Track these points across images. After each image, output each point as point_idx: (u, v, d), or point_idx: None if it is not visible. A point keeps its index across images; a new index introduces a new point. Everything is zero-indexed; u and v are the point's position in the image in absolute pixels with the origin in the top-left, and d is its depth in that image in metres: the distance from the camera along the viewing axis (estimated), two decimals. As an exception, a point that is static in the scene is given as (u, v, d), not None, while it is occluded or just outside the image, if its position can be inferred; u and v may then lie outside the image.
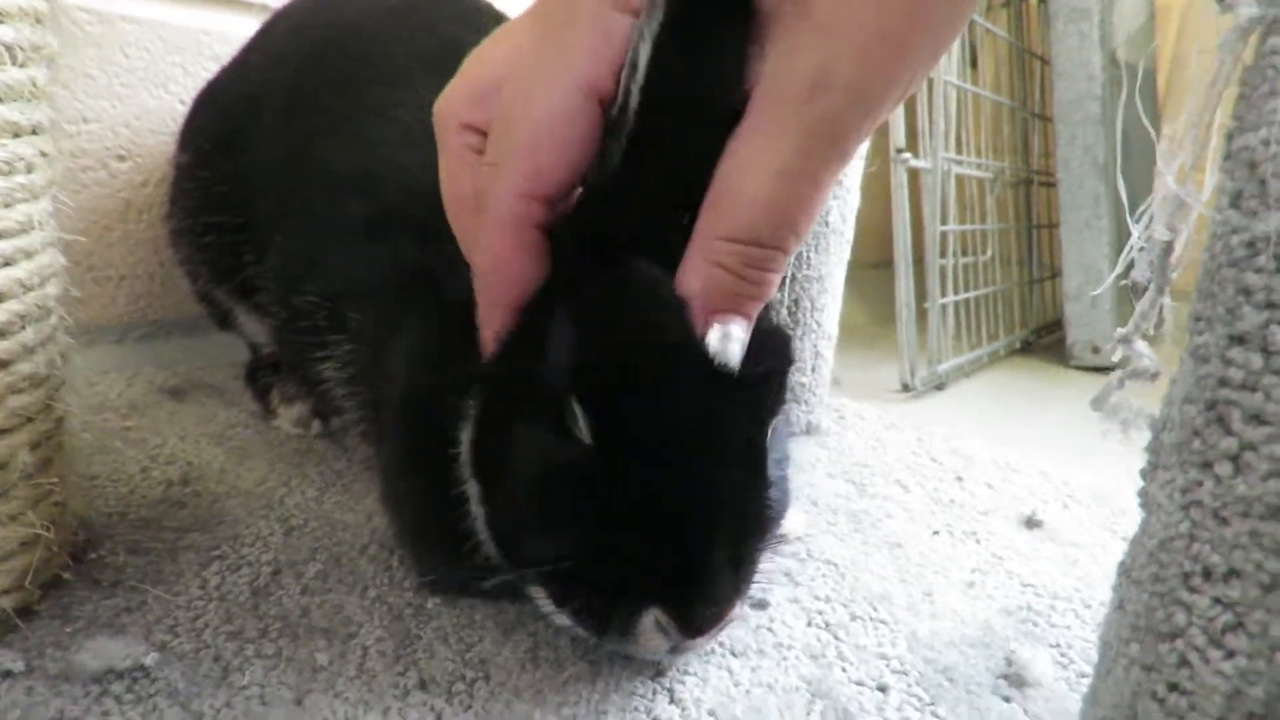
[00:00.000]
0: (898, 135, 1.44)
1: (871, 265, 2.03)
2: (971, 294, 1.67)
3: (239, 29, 1.19)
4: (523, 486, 0.52)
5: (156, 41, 1.12)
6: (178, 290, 1.15)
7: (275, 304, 0.78)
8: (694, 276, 0.45)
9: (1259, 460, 0.32)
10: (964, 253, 1.64)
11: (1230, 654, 0.32)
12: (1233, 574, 0.32)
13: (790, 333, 0.55)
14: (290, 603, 0.61)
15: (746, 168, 0.43)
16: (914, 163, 1.46)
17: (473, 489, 0.56)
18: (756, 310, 0.47)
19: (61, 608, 0.58)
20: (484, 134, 0.49)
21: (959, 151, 1.62)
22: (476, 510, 0.56)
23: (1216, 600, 0.33)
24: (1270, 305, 0.32)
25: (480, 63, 0.51)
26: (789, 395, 1.02)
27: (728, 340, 0.46)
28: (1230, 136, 0.36)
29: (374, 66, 0.78)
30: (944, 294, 1.54)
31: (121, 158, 1.12)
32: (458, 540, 0.57)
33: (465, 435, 0.56)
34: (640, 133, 0.45)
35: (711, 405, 0.48)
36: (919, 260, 1.50)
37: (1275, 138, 0.33)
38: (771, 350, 0.51)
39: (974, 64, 1.82)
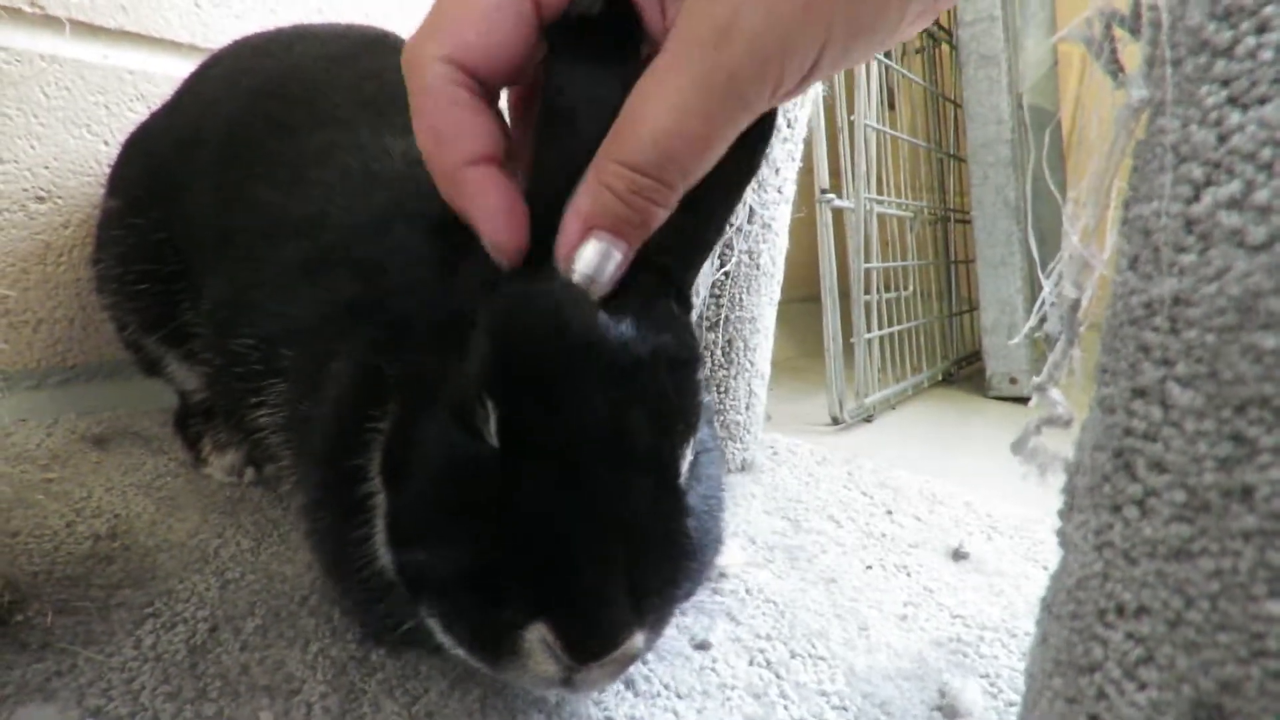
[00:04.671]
0: (822, 176, 1.50)
1: (798, 300, 2.09)
2: (895, 328, 1.73)
3: (164, 68, 1.17)
4: (424, 485, 0.50)
5: (77, 80, 1.10)
6: (99, 334, 1.12)
7: (209, 350, 0.77)
8: (584, 194, 0.47)
9: (1162, 505, 0.35)
10: (887, 288, 1.71)
11: (1143, 686, 0.35)
12: (1143, 611, 0.35)
13: (699, 343, 0.55)
14: (229, 660, 0.60)
15: (646, 100, 0.45)
16: (838, 203, 1.52)
17: (379, 504, 0.54)
18: (637, 240, 0.48)
19: (-14, 675, 0.56)
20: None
21: (880, 191, 1.69)
22: (379, 526, 0.53)
23: (1129, 635, 0.36)
24: (1166, 362, 0.35)
25: None
26: (725, 433, 1.05)
27: (604, 258, 0.47)
28: (1127, 204, 0.40)
29: (314, 110, 0.78)
30: (869, 329, 1.60)
31: (40, 199, 1.08)
32: (373, 576, 0.55)
33: (377, 449, 0.55)
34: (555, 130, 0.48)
35: (613, 409, 0.47)
36: (844, 296, 1.55)
37: (1166, 210, 0.36)
38: (672, 334, 0.50)
39: (891, 106, 1.91)
